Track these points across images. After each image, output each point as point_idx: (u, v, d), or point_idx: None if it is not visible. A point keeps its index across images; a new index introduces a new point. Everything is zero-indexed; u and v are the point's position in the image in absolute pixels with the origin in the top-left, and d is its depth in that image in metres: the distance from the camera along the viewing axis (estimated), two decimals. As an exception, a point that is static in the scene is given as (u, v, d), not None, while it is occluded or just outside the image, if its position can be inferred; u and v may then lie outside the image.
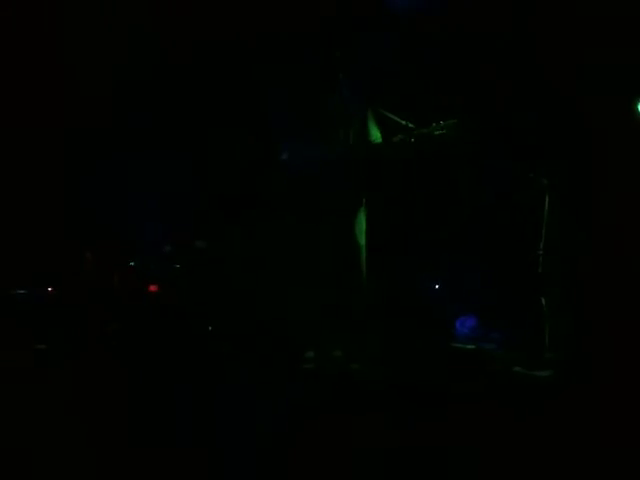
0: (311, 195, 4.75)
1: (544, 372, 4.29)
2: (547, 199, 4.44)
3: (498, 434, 3.21)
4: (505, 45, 4.83)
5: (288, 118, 5.07)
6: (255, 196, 5.69)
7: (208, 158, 6.01)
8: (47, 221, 5.93)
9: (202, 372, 4.48)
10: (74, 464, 2.89)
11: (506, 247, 5.30)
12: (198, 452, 3.06)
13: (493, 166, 5.32)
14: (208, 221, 5.93)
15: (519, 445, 3.06)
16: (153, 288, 5.76)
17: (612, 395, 3.65)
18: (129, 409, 3.70)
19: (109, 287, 5.80)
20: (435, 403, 3.75)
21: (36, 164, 5.98)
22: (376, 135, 4.80)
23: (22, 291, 5.68)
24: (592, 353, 4.16)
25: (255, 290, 5.51)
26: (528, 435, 3.18)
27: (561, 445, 3.07)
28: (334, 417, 3.47)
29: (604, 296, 4.32)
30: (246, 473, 2.87)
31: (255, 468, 2.90)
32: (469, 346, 5.27)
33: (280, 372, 4.49)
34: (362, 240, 4.76)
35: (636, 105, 4.44)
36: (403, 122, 4.68)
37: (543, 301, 4.42)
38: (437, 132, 4.58)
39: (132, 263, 5.90)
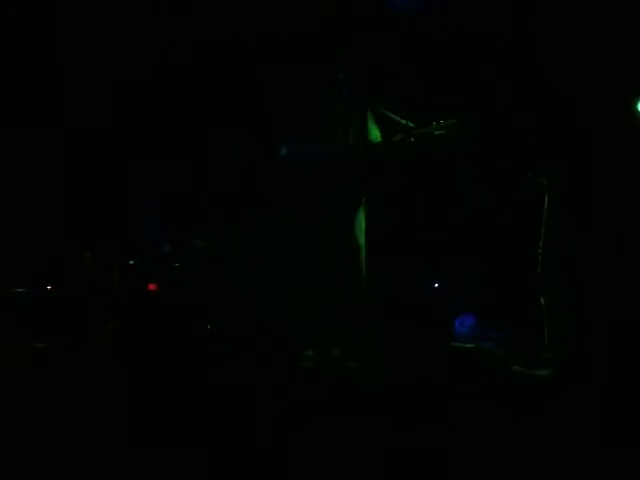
0: (311, 194, 4.76)
1: (543, 371, 4.29)
2: (546, 199, 4.44)
3: (497, 433, 3.21)
4: (505, 45, 4.82)
5: (288, 117, 5.08)
6: (255, 195, 5.69)
7: (208, 158, 6.01)
8: (46, 219, 5.93)
9: (201, 370, 4.48)
10: (73, 462, 2.89)
11: (506, 246, 5.30)
12: (196, 450, 3.05)
13: (493, 165, 5.32)
14: (207, 220, 5.93)
15: (518, 444, 3.06)
16: (152, 287, 5.77)
17: (611, 394, 3.65)
18: (128, 408, 3.70)
19: (108, 285, 5.80)
20: (434, 402, 3.75)
21: (36, 163, 5.98)
22: (376, 134, 4.81)
23: (21, 289, 5.68)
24: (591, 352, 4.16)
25: (254, 289, 5.51)
26: (527, 434, 3.19)
27: (559, 444, 3.07)
28: (333, 416, 3.47)
29: (603, 295, 4.31)
30: (244, 471, 2.86)
31: (254, 467, 2.89)
32: (468, 345, 5.27)
33: (279, 371, 4.49)
34: (361, 239, 4.77)
35: (636, 105, 4.45)
36: (403, 121, 4.69)
37: (542, 300, 4.42)
38: (437, 132, 4.59)
39: (131, 261, 5.90)
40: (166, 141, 6.04)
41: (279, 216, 5.21)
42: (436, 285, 5.73)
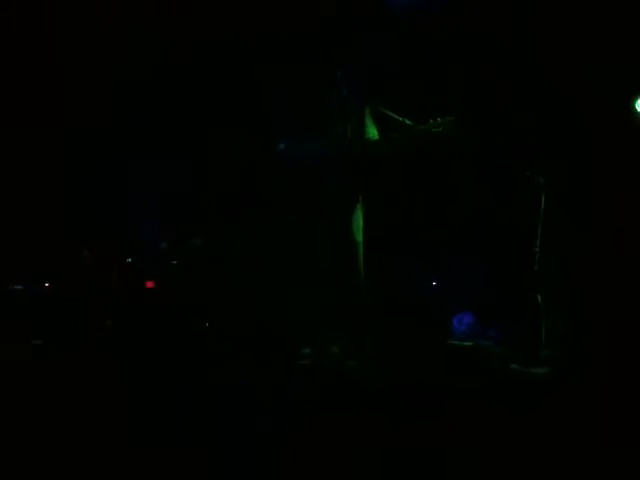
0: (309, 192, 4.76)
1: (540, 369, 4.28)
2: (544, 197, 4.44)
3: (494, 431, 3.21)
4: (505, 43, 4.82)
5: (287, 116, 5.08)
6: (253, 193, 5.69)
7: (208, 157, 6.02)
8: (46, 218, 5.94)
9: (199, 369, 4.48)
10: (72, 461, 2.89)
11: (504, 245, 5.30)
12: (195, 448, 3.05)
13: (491, 164, 5.32)
14: (206, 219, 5.93)
15: (515, 442, 3.06)
16: (151, 285, 5.77)
17: (608, 392, 3.65)
18: (126, 405, 3.70)
19: (107, 284, 5.81)
20: (432, 399, 3.75)
21: (36, 163, 5.99)
22: (374, 132, 4.80)
23: (19, 287, 5.69)
24: (588, 350, 4.16)
25: (252, 287, 5.51)
26: (524, 432, 3.18)
27: (557, 442, 3.07)
28: (331, 414, 3.47)
29: (601, 294, 4.32)
30: (242, 469, 2.86)
31: (252, 465, 2.89)
32: (466, 343, 5.28)
33: (277, 369, 4.49)
34: (360, 237, 4.77)
35: (634, 104, 4.45)
36: (401, 119, 4.68)
37: (540, 298, 4.42)
38: (435, 129, 4.58)
39: (130, 260, 5.91)
40: (166, 141, 6.05)
41: (277, 214, 5.21)
42: (434, 283, 5.73)
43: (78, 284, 5.77)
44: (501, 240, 5.33)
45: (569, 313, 4.30)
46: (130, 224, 5.99)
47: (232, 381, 4.18)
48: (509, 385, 4.18)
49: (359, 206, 4.80)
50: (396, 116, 4.72)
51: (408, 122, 4.67)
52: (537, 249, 4.43)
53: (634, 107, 4.46)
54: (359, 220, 4.79)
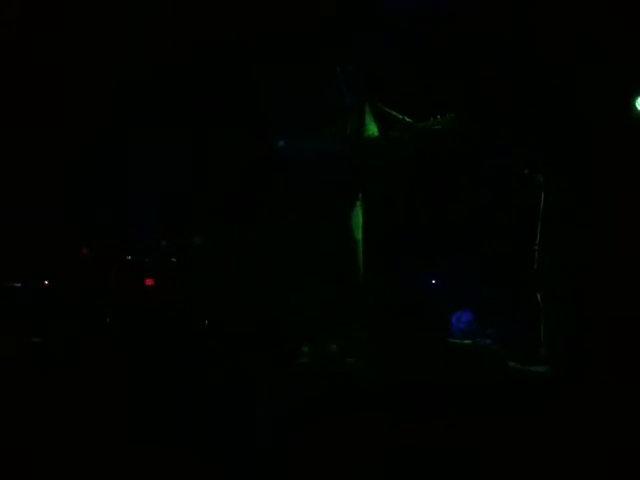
0: (309, 190, 4.76)
1: (539, 368, 4.28)
2: (543, 196, 4.44)
3: (493, 429, 3.20)
4: (505, 42, 4.83)
5: (287, 114, 5.08)
6: (253, 192, 5.70)
7: (208, 157, 6.02)
8: (46, 216, 5.94)
9: (199, 367, 4.47)
10: (71, 461, 2.89)
11: (503, 243, 5.29)
12: (194, 447, 3.05)
13: (491, 162, 5.33)
14: (206, 217, 5.94)
15: (514, 440, 3.05)
16: (150, 283, 5.77)
17: (607, 391, 3.64)
18: (126, 404, 3.69)
19: (107, 281, 5.81)
20: (431, 398, 3.74)
21: (36, 162, 6.00)
22: (374, 130, 4.80)
23: (19, 284, 5.69)
24: (587, 349, 4.15)
25: (252, 285, 5.51)
26: (523, 430, 3.17)
27: (556, 440, 3.06)
28: (331, 414, 3.46)
29: (600, 293, 4.31)
30: (243, 469, 2.85)
31: (251, 464, 2.89)
32: (465, 341, 5.28)
33: (276, 367, 4.49)
34: (359, 235, 4.76)
35: (635, 102, 4.45)
36: (401, 117, 4.68)
37: (539, 297, 4.41)
38: (435, 127, 4.58)
39: (130, 259, 5.91)
40: (166, 141, 6.05)
41: (277, 213, 5.21)
42: (433, 281, 5.73)
43: (78, 282, 5.78)
44: (500, 238, 5.33)
45: (568, 312, 4.30)
46: (130, 223, 6.00)
47: (231, 379, 4.17)
48: (508, 383, 4.17)
49: (359, 204, 4.80)
50: (396, 114, 4.72)
51: (408, 120, 4.67)
52: (536, 248, 4.43)
53: (634, 106, 4.46)
54: (359, 218, 4.78)
